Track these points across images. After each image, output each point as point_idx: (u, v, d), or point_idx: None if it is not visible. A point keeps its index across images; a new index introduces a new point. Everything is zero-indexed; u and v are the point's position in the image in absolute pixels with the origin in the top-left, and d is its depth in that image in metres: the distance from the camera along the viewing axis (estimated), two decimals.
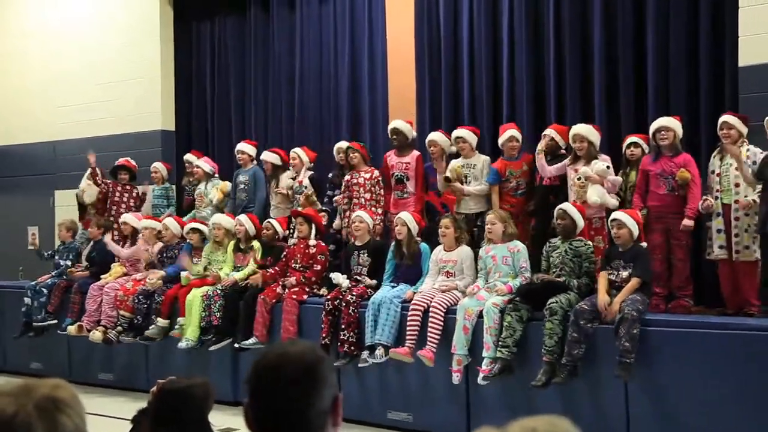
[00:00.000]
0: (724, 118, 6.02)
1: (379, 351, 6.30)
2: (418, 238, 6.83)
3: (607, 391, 5.52)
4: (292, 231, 7.68)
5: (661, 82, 6.98)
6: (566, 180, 6.62)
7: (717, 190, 6.02)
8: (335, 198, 7.72)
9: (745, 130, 5.96)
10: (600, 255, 6.13)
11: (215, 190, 8.54)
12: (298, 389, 1.71)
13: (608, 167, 6.25)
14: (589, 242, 6.03)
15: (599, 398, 5.61)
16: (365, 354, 6.42)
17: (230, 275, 7.56)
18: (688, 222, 6.04)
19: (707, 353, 5.24)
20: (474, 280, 6.41)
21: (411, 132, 7.64)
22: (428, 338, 6.15)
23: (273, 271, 7.35)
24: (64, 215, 9.79)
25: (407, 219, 6.75)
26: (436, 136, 7.36)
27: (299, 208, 7.68)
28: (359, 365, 6.46)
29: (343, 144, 7.93)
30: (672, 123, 6.21)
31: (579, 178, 6.35)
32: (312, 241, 7.29)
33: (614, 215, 5.88)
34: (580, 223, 6.00)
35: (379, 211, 7.32)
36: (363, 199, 7.42)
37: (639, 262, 5.70)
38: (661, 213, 6.15)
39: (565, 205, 6.06)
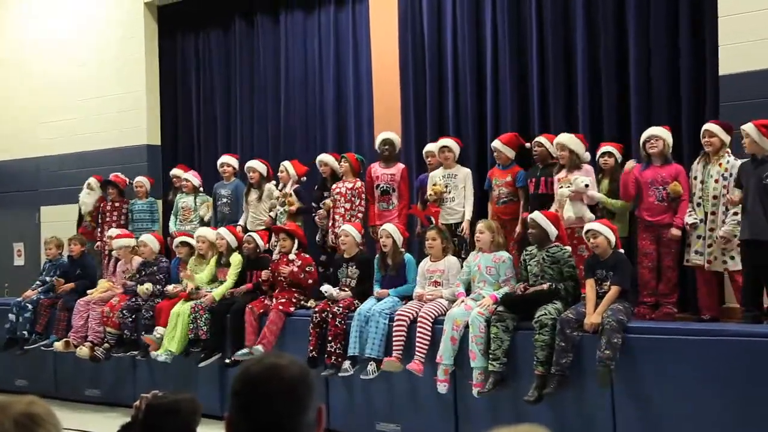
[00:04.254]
0: (707, 126, 6.08)
1: (371, 366, 6.31)
2: (403, 249, 6.86)
3: (594, 398, 5.53)
4: (274, 245, 7.67)
5: (643, 91, 7.03)
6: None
7: (699, 197, 6.09)
8: (315, 214, 7.72)
9: (727, 138, 6.01)
10: (582, 263, 6.18)
11: (205, 206, 8.54)
12: (290, 402, 1.72)
13: (587, 185, 6.29)
14: (567, 247, 6.06)
15: (585, 406, 5.62)
16: (347, 364, 6.43)
17: (210, 292, 7.52)
18: (676, 231, 6.11)
19: (691, 360, 5.25)
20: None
21: (399, 143, 7.71)
22: (416, 349, 6.15)
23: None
24: (50, 231, 9.75)
25: (392, 230, 6.77)
26: (433, 147, 7.40)
27: (282, 222, 7.69)
28: (339, 374, 6.46)
29: (324, 156, 7.93)
30: (661, 132, 6.27)
31: (561, 187, 6.42)
32: (291, 255, 7.27)
33: (587, 226, 5.93)
34: (551, 230, 6.02)
35: (356, 221, 7.33)
36: (343, 209, 7.45)
37: (618, 269, 5.74)
38: (652, 221, 6.21)
39: (535, 214, 6.11)
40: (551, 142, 6.79)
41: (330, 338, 6.60)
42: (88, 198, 9.29)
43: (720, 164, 5.99)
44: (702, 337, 5.33)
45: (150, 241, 8.20)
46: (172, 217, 8.80)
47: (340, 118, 8.97)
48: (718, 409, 5.12)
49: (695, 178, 6.13)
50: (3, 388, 8.66)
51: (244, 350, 7.03)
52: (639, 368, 5.40)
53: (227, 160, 8.57)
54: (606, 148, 6.58)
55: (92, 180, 9.30)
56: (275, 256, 7.51)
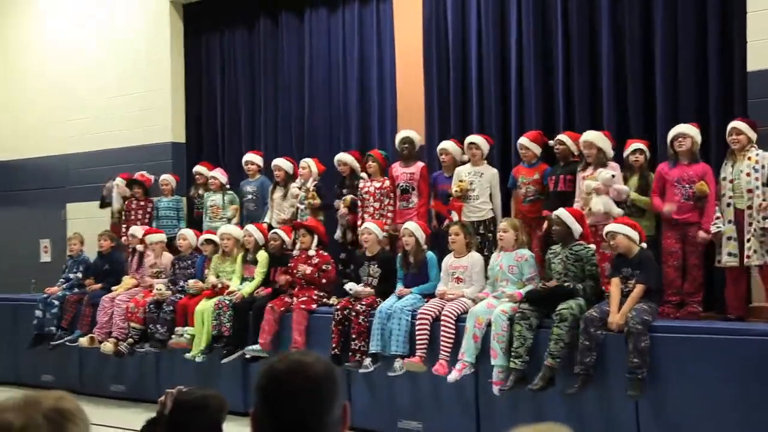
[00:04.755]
0: (734, 123, 6.00)
1: (398, 363, 6.32)
2: (425, 246, 6.85)
3: (617, 398, 5.48)
4: (295, 241, 7.70)
5: (669, 88, 6.96)
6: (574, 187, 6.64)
7: (729, 197, 5.99)
8: (335, 203, 7.75)
9: (754, 135, 5.94)
10: (606, 261, 6.14)
11: (232, 210, 8.58)
12: (315, 400, 1.72)
13: (613, 176, 6.25)
14: (590, 246, 6.02)
15: (608, 406, 5.58)
16: (367, 361, 6.44)
17: (239, 289, 7.56)
18: (704, 234, 6.03)
19: (717, 359, 5.20)
20: (483, 287, 6.44)
21: (420, 142, 7.71)
22: (441, 349, 6.14)
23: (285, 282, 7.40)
24: (76, 228, 9.85)
25: (414, 229, 6.76)
26: (447, 144, 7.41)
27: (305, 218, 7.73)
28: (360, 371, 6.47)
29: (343, 156, 7.95)
30: (690, 130, 6.21)
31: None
32: (311, 251, 7.29)
33: (606, 228, 5.90)
34: (575, 228, 5.99)
35: (385, 221, 7.33)
36: (372, 208, 7.46)
37: (644, 267, 5.69)
38: (677, 220, 6.14)
39: (560, 211, 6.07)
40: (573, 140, 6.77)
41: (354, 336, 6.60)
42: (119, 198, 9.37)
43: (749, 158, 5.89)
44: (728, 336, 5.28)
45: (189, 235, 8.29)
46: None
47: (364, 116, 8.96)
48: (743, 408, 5.06)
49: (724, 178, 6.03)
50: (29, 384, 8.77)
51: (256, 347, 7.06)
52: (664, 368, 5.35)
53: (251, 158, 8.62)
54: (636, 145, 6.51)
55: (119, 180, 9.37)
56: (295, 253, 7.53)
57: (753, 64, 6.32)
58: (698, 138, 6.22)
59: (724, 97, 6.74)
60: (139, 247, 8.58)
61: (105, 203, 9.53)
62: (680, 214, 6.15)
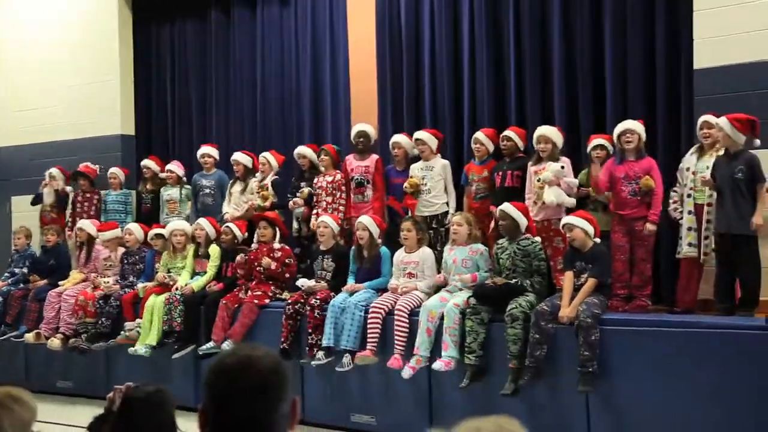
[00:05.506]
0: (704, 117, 6.04)
1: (346, 359, 6.31)
2: (380, 241, 6.84)
3: (567, 391, 5.55)
4: (251, 235, 7.63)
5: (618, 85, 7.06)
6: (525, 182, 6.69)
7: (691, 188, 6.06)
8: (291, 200, 7.68)
9: None
10: (560, 255, 6.19)
11: (189, 204, 8.46)
12: (265, 395, 1.70)
13: (563, 167, 6.32)
14: (537, 239, 6.08)
15: (559, 398, 5.65)
16: (320, 354, 6.42)
17: (188, 284, 7.47)
18: (651, 227, 6.12)
19: (665, 352, 5.29)
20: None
21: (375, 136, 7.70)
22: (395, 344, 6.15)
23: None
24: (21, 222, 9.63)
25: (368, 223, 6.75)
26: (399, 138, 7.42)
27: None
28: (312, 363, 6.45)
29: (302, 149, 7.90)
30: (636, 126, 6.27)
31: (539, 180, 6.43)
32: (276, 245, 7.25)
33: (564, 220, 5.96)
34: (522, 221, 6.05)
35: (338, 215, 7.30)
36: (324, 203, 7.43)
37: (597, 262, 5.76)
38: (624, 215, 6.23)
39: (505, 206, 6.12)
40: (519, 136, 6.82)
41: (309, 330, 6.58)
42: (51, 192, 9.19)
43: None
44: (676, 329, 5.37)
45: (136, 229, 8.15)
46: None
47: (317, 109, 8.93)
48: (691, 401, 5.16)
49: (687, 169, 6.10)
50: None
51: (210, 344, 7.00)
52: (613, 361, 5.43)
53: (208, 151, 8.50)
54: (598, 140, 6.56)
55: (54, 171, 9.18)
56: (254, 246, 7.46)
57: (699, 62, 6.44)
58: (644, 134, 6.30)
59: (671, 94, 6.86)
60: (102, 243, 8.38)
61: (37, 201, 9.33)
62: (627, 209, 6.23)
